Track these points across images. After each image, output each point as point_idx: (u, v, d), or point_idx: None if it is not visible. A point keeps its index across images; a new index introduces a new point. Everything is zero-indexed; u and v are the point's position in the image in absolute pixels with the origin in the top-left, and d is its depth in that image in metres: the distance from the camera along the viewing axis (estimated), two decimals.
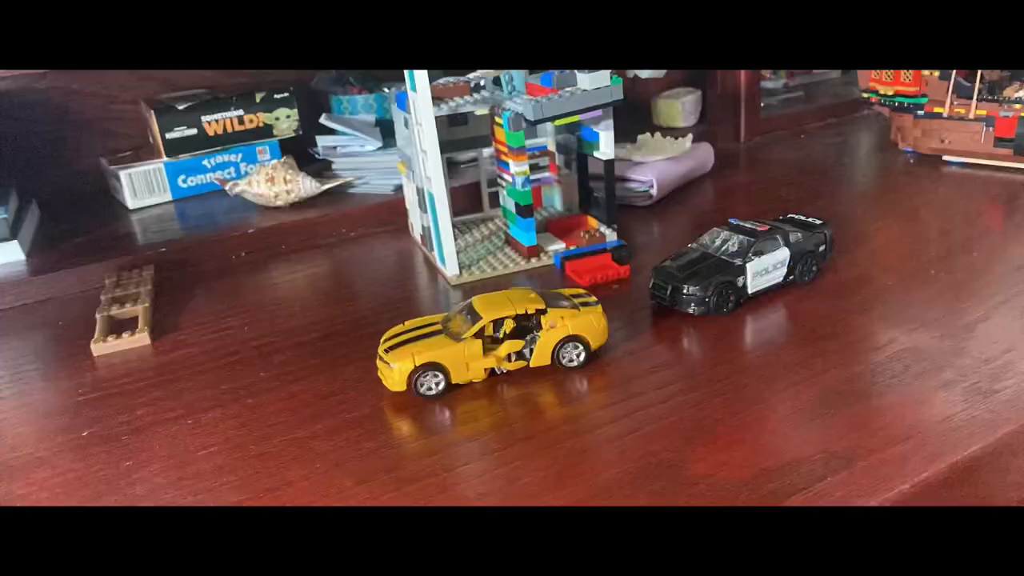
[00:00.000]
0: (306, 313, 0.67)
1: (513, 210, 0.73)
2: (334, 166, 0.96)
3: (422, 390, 0.52)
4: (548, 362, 0.54)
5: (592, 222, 0.78)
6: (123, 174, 0.92)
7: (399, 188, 0.92)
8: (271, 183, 0.88)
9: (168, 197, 0.94)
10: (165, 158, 0.93)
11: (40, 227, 0.89)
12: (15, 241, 0.79)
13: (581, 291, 0.58)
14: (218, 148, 0.96)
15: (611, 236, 0.75)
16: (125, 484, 0.46)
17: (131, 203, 0.93)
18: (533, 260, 0.73)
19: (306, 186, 0.89)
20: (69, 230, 0.87)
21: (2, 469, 0.48)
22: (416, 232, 0.82)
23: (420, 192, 0.73)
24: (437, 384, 0.52)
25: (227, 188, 0.90)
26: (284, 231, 0.85)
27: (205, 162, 0.95)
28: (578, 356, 0.54)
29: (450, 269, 0.71)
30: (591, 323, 0.54)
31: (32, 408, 0.55)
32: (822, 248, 0.66)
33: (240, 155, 0.97)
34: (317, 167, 0.97)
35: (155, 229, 0.86)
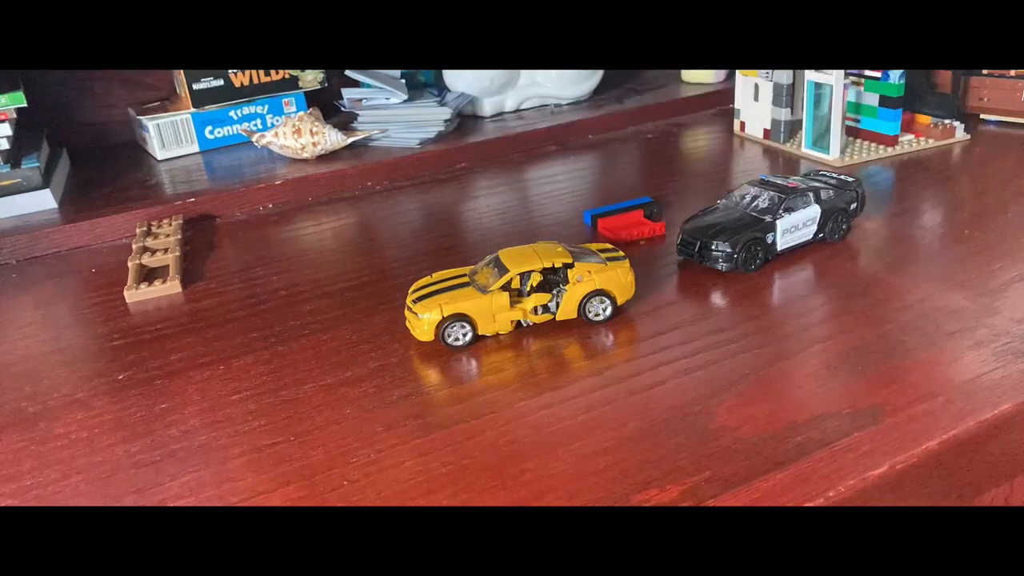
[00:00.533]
0: (333, 264, 0.68)
1: (876, 103, 0.83)
2: (359, 119, 0.95)
3: (449, 340, 0.52)
4: (574, 316, 0.54)
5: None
6: (151, 124, 0.92)
7: (424, 142, 0.91)
8: (297, 135, 0.88)
9: (195, 148, 0.95)
10: (192, 109, 0.93)
11: (71, 176, 0.90)
12: (47, 190, 0.80)
13: (608, 246, 0.58)
14: (244, 99, 0.95)
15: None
16: (160, 426, 0.47)
17: (159, 154, 0.93)
18: (891, 148, 0.83)
19: (332, 138, 0.89)
20: (99, 179, 0.88)
21: (42, 409, 0.50)
22: (755, 128, 0.91)
23: (782, 88, 0.85)
24: (464, 335, 0.52)
25: (254, 139, 0.90)
26: (310, 183, 0.86)
27: (232, 113, 0.95)
28: (604, 310, 0.54)
29: (833, 152, 0.81)
30: (618, 277, 0.54)
31: (68, 352, 0.57)
32: (853, 206, 0.64)
33: (266, 107, 0.97)
34: (342, 119, 0.96)
35: (183, 179, 0.87)
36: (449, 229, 0.74)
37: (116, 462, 0.44)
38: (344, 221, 0.79)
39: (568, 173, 0.86)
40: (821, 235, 0.63)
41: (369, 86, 0.97)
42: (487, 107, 1.00)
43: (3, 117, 0.79)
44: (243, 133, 0.93)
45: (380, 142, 0.93)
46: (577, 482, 0.40)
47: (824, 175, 0.68)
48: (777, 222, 0.60)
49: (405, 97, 0.95)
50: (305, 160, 0.89)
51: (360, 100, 0.97)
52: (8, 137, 0.79)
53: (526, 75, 1.01)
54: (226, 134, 0.96)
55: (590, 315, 0.54)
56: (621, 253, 0.56)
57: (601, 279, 0.53)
